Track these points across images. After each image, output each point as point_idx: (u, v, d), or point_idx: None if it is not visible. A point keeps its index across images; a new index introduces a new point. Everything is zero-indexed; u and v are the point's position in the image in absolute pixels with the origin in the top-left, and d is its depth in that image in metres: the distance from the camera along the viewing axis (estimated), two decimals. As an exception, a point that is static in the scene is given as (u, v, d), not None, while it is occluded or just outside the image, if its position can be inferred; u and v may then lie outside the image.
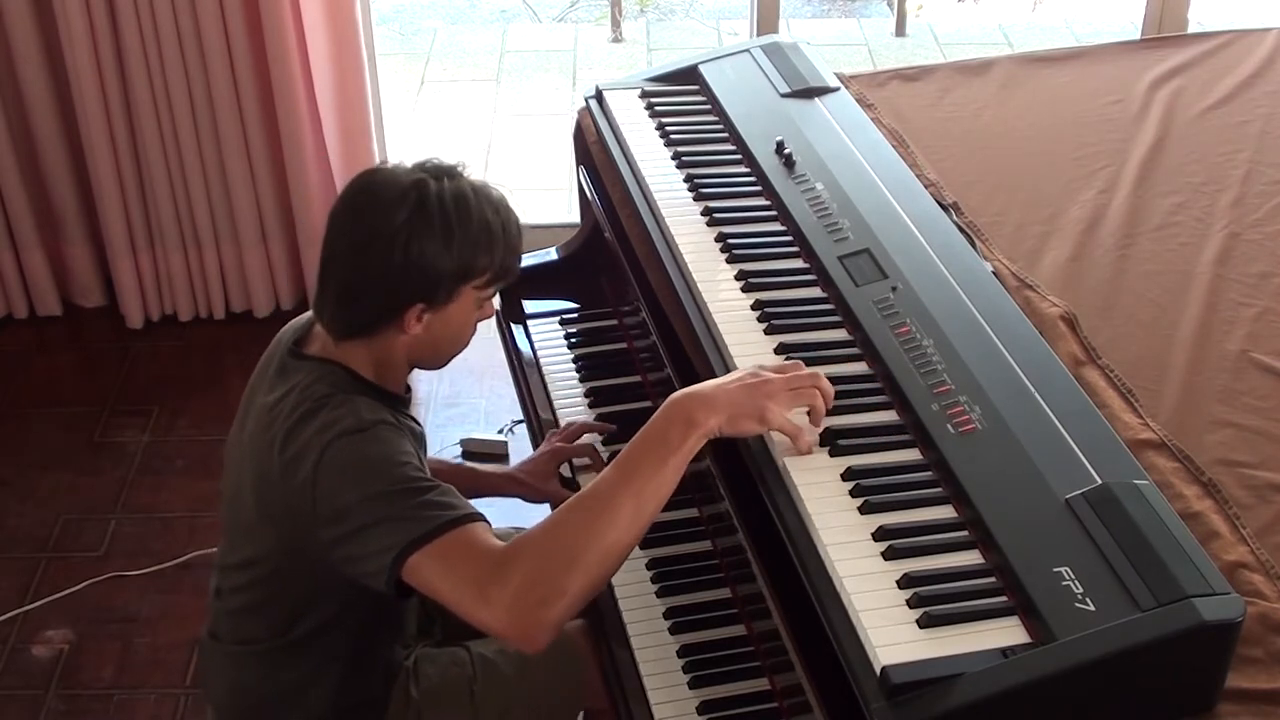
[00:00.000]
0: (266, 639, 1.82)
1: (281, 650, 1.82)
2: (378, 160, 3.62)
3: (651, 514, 1.57)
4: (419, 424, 1.82)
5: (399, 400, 1.79)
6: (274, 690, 1.86)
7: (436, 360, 1.81)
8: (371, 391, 1.72)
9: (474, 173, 1.75)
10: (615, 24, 5.65)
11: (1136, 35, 3.81)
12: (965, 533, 1.48)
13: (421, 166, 1.72)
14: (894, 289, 1.79)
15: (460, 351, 1.81)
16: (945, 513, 1.51)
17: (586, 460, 2.11)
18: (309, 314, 1.81)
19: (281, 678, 1.84)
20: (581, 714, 2.08)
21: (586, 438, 2.13)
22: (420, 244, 1.65)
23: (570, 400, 2.27)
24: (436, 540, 1.57)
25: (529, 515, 2.19)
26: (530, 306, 2.47)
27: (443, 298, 1.70)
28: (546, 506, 2.13)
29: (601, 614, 1.88)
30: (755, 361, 1.70)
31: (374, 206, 1.68)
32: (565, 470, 2.11)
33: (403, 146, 4.46)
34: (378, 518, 1.60)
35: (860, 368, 1.72)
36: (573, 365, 2.34)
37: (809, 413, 1.61)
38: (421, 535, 1.57)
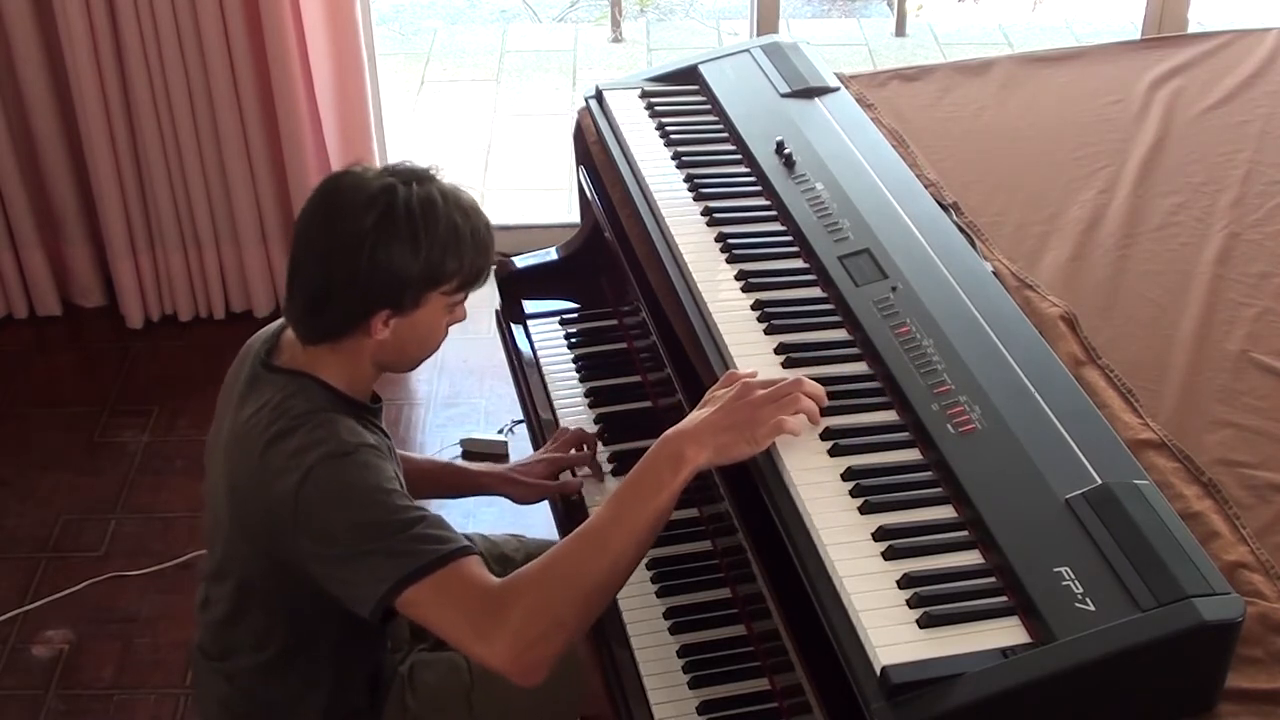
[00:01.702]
0: (247, 654, 1.82)
1: (262, 668, 1.82)
2: (377, 161, 3.62)
3: (645, 546, 1.61)
4: (388, 435, 1.81)
5: (368, 410, 1.78)
6: (261, 706, 1.86)
7: (404, 365, 1.81)
8: (344, 404, 1.72)
9: (446, 176, 1.73)
10: (615, 24, 5.65)
11: (1136, 35, 3.81)
12: (965, 533, 1.48)
13: (391, 170, 1.70)
14: (894, 289, 1.79)
15: (429, 355, 1.80)
16: (945, 513, 1.51)
17: (587, 470, 2.11)
18: (278, 322, 1.80)
19: (268, 694, 1.85)
20: (579, 717, 2.08)
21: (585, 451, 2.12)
22: (387, 250, 1.64)
23: (570, 400, 2.27)
24: (431, 576, 1.58)
25: (527, 518, 2.20)
26: (530, 306, 2.47)
27: (410, 304, 1.68)
28: (542, 508, 2.13)
29: (601, 614, 1.88)
30: (755, 363, 1.70)
31: (341, 211, 1.66)
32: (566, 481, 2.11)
33: (403, 146, 4.47)
34: (369, 549, 1.60)
35: (860, 368, 1.72)
36: (573, 365, 2.34)
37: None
38: (416, 570, 1.58)
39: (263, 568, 1.74)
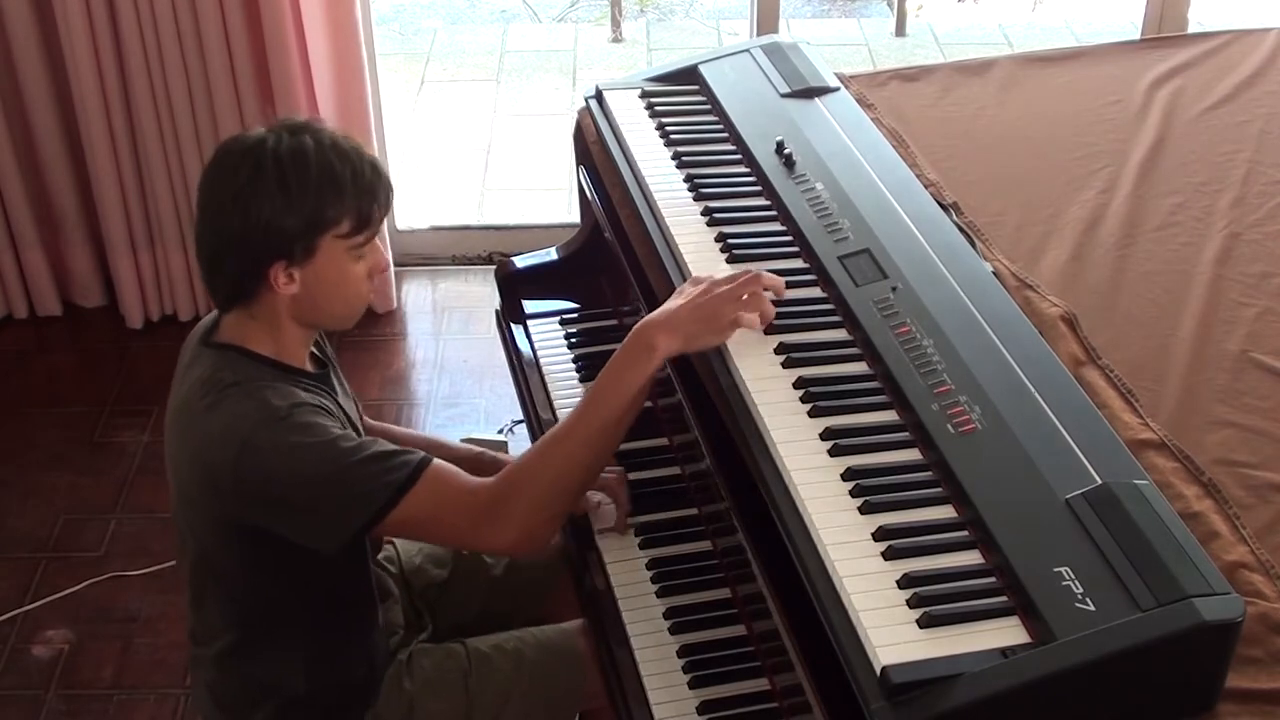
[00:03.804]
0: (219, 635, 1.85)
1: (235, 648, 1.84)
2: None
3: (624, 431, 1.77)
4: (337, 399, 1.83)
5: (308, 377, 1.79)
6: (240, 687, 1.88)
7: (328, 319, 1.79)
8: (276, 371, 1.74)
9: (330, 127, 1.75)
10: (615, 24, 5.65)
11: (1136, 35, 3.81)
12: (965, 533, 1.48)
13: (271, 126, 1.72)
14: (894, 289, 1.79)
15: (354, 306, 1.79)
16: (945, 513, 1.51)
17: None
18: None
19: (245, 674, 1.87)
20: (578, 716, 2.08)
21: None
22: (259, 202, 1.66)
23: (570, 400, 2.27)
24: (411, 490, 1.68)
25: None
26: (530, 306, 2.47)
27: (301, 253, 1.69)
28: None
29: (601, 614, 1.88)
30: (755, 365, 1.71)
31: (219, 172, 1.71)
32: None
33: (403, 146, 4.47)
34: (331, 493, 1.67)
35: (860, 368, 1.72)
36: (573, 365, 2.34)
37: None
38: (395, 492, 1.67)
39: (214, 541, 1.77)
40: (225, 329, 1.78)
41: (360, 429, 1.89)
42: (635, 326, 1.74)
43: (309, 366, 1.82)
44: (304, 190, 1.67)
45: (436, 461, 1.72)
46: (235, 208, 1.67)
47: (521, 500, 1.72)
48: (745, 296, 1.73)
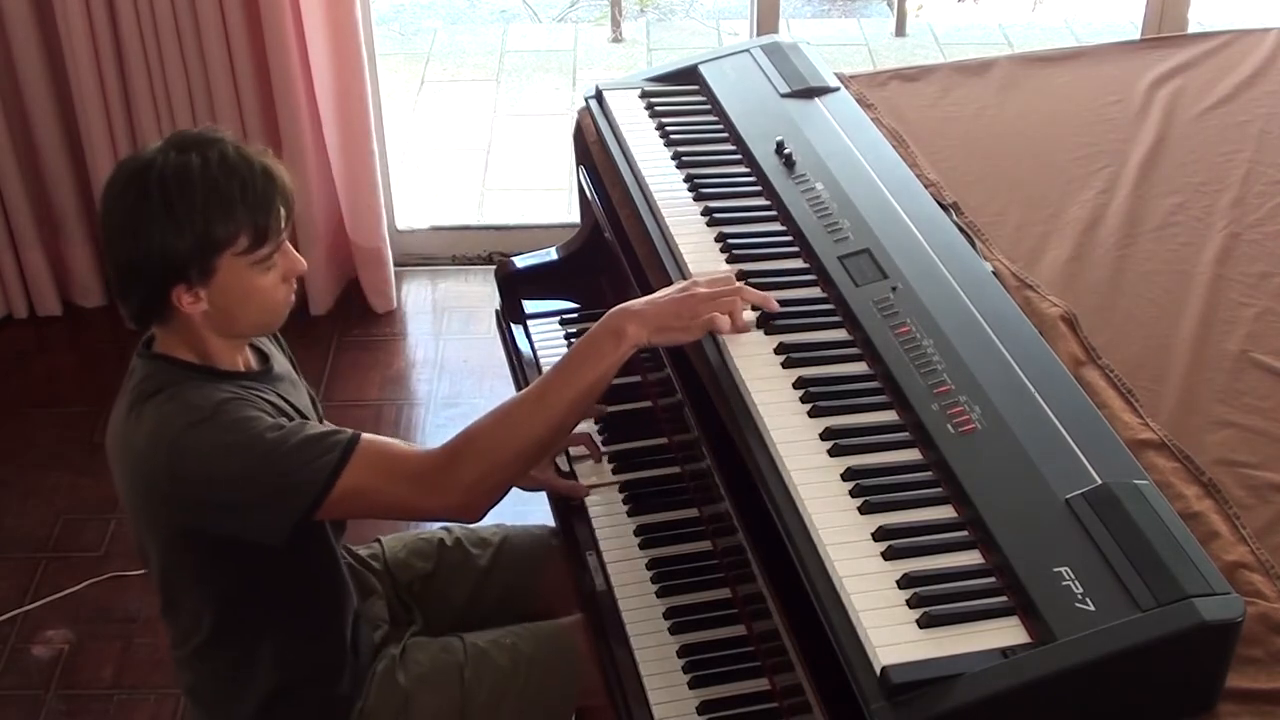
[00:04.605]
0: (191, 637, 1.86)
1: (205, 649, 1.85)
2: (377, 161, 3.62)
3: (584, 411, 1.83)
4: (291, 385, 1.84)
5: (241, 376, 1.77)
6: (217, 683, 1.89)
7: (242, 328, 1.76)
8: (201, 375, 1.73)
9: (228, 138, 1.69)
10: (615, 24, 5.65)
11: (1136, 35, 3.81)
12: (965, 533, 1.48)
13: (163, 143, 1.68)
14: (894, 289, 1.79)
15: (273, 314, 1.75)
16: (945, 513, 1.51)
17: (583, 449, 2.12)
18: None
19: (219, 672, 1.88)
20: (574, 715, 2.08)
21: (581, 426, 2.13)
22: (147, 229, 1.63)
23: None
24: (347, 466, 1.67)
25: (527, 505, 2.21)
26: (530, 306, 2.47)
27: (199, 274, 1.65)
28: (540, 498, 2.13)
29: (602, 614, 1.88)
30: (755, 365, 1.71)
31: (111, 198, 1.68)
32: (562, 462, 2.11)
33: (403, 146, 4.47)
34: (269, 484, 1.65)
35: (860, 368, 1.72)
36: (573, 365, 2.34)
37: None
38: (332, 471, 1.66)
39: (170, 548, 1.77)
40: (158, 340, 1.77)
41: (319, 420, 1.88)
42: (609, 310, 1.75)
43: (251, 365, 1.81)
44: (190, 213, 1.62)
45: (367, 435, 1.71)
46: (125, 234, 1.65)
47: (471, 465, 1.72)
48: (721, 301, 1.73)
